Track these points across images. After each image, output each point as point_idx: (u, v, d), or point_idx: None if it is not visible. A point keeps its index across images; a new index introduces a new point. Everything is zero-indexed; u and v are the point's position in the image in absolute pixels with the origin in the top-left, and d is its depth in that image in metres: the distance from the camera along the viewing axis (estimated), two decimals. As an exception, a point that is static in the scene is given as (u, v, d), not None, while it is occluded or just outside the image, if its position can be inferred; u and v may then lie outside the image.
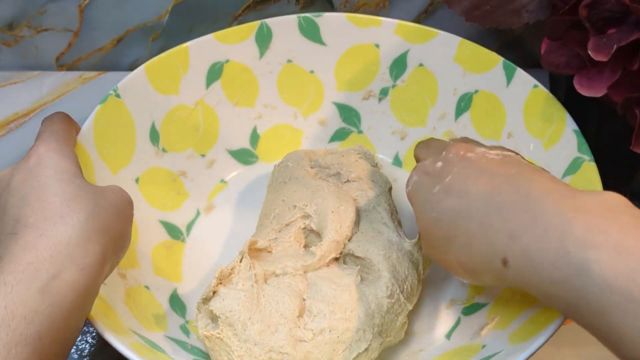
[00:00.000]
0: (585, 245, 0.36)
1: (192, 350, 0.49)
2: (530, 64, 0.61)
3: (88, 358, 0.53)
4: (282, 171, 0.57)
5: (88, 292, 0.40)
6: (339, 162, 0.57)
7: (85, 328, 0.52)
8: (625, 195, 0.39)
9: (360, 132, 0.64)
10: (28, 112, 0.69)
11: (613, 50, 0.47)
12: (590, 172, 0.51)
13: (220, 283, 0.48)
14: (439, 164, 0.45)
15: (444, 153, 0.46)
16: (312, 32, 0.61)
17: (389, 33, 0.60)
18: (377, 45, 0.61)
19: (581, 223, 0.36)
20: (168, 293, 0.54)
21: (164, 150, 0.59)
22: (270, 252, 0.52)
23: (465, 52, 0.59)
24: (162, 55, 0.58)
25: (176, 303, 0.53)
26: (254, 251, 0.51)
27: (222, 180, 0.62)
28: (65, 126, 0.49)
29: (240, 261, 0.49)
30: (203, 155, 0.61)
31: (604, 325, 0.35)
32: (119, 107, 0.56)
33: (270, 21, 0.61)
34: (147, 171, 0.57)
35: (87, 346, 0.53)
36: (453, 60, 0.59)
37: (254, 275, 0.48)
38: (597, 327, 0.36)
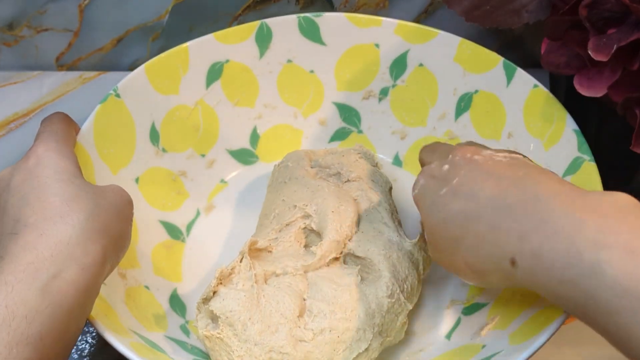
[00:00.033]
0: (596, 246, 0.36)
1: (192, 350, 0.49)
2: (530, 64, 0.61)
3: (88, 358, 0.53)
4: (282, 171, 0.57)
5: (89, 292, 0.40)
6: (339, 162, 0.57)
7: (85, 328, 0.52)
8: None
9: (360, 132, 0.64)
10: (28, 112, 0.69)
11: (613, 50, 0.47)
12: (590, 172, 0.51)
13: (221, 283, 0.48)
14: (446, 167, 0.45)
15: (450, 156, 0.46)
16: (312, 32, 0.61)
17: (389, 33, 0.60)
18: (377, 45, 0.61)
19: (592, 224, 0.36)
20: (168, 293, 0.54)
21: (164, 150, 0.59)
22: (270, 252, 0.52)
23: (465, 52, 0.59)
24: (162, 55, 0.58)
25: (176, 303, 0.53)
26: (254, 251, 0.51)
27: (222, 180, 0.62)
28: (64, 126, 0.49)
29: (241, 261, 0.49)
30: (203, 155, 0.61)
31: (612, 325, 0.35)
32: (119, 107, 0.56)
33: (270, 21, 0.61)
34: (147, 171, 0.57)
35: (87, 346, 0.53)
36: (453, 60, 0.59)
37: (254, 275, 0.48)
38: (606, 327, 0.36)
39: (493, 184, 0.42)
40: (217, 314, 0.47)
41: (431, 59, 0.60)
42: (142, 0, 0.68)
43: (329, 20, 0.61)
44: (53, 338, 0.38)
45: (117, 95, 0.56)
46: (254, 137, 0.63)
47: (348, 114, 0.63)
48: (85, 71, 0.72)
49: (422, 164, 0.50)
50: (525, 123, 0.56)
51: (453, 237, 0.43)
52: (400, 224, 0.55)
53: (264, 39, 0.61)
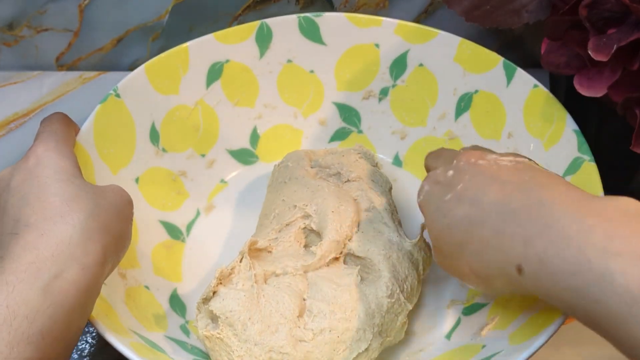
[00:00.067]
0: (605, 253, 0.35)
1: (192, 350, 0.49)
2: (530, 64, 0.61)
3: (88, 358, 0.53)
4: (282, 171, 0.57)
5: (89, 291, 0.40)
6: (339, 162, 0.57)
7: (85, 328, 0.52)
8: (625, 195, 0.39)
9: (360, 132, 0.64)
10: (28, 112, 0.69)
11: (613, 50, 0.47)
12: (590, 172, 0.51)
13: (220, 283, 0.48)
14: (450, 172, 0.45)
15: (454, 162, 0.45)
16: (312, 32, 0.61)
17: (389, 33, 0.60)
18: (377, 45, 0.61)
19: (600, 230, 0.36)
20: (168, 293, 0.54)
21: (164, 150, 0.59)
22: (270, 252, 0.52)
23: (465, 52, 0.59)
24: (162, 55, 0.58)
25: (176, 303, 0.53)
26: (254, 251, 0.51)
27: (222, 180, 0.62)
28: (64, 126, 0.49)
29: (240, 261, 0.49)
30: (203, 155, 0.61)
31: (623, 333, 0.34)
32: (119, 107, 0.56)
33: (270, 21, 0.61)
34: (147, 171, 0.57)
35: (87, 346, 0.53)
36: (453, 60, 0.59)
37: (254, 275, 0.48)
38: (616, 335, 0.35)
39: (497, 189, 0.42)
40: (217, 314, 0.47)
41: (431, 59, 0.60)
42: (142, 0, 0.68)
43: (329, 20, 0.61)
44: (54, 337, 0.38)
45: (117, 95, 0.56)
46: (254, 137, 0.63)
47: (348, 114, 0.63)
48: (85, 71, 0.72)
49: (428, 170, 0.49)
50: (525, 123, 0.56)
51: (457, 242, 0.43)
52: (400, 224, 0.55)
53: (264, 39, 0.61)
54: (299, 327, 0.47)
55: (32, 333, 0.37)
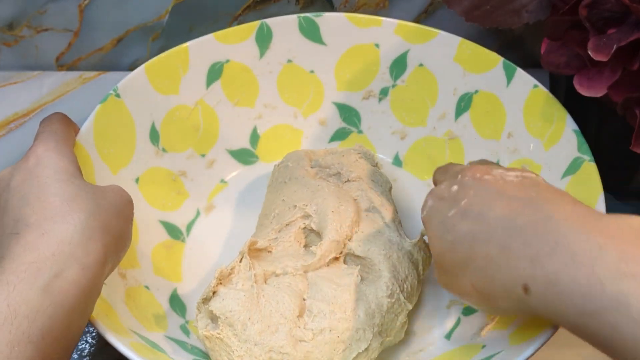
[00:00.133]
0: (620, 276, 0.33)
1: (192, 350, 0.49)
2: (530, 64, 0.61)
3: (88, 358, 0.53)
4: (282, 171, 0.57)
5: (90, 291, 0.40)
6: (339, 162, 0.57)
7: (85, 328, 0.52)
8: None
9: (360, 132, 0.64)
10: (28, 112, 0.69)
11: (613, 50, 0.47)
12: (590, 172, 0.51)
13: (220, 283, 0.48)
14: (455, 187, 0.44)
15: (459, 177, 0.44)
16: (312, 32, 0.61)
17: (389, 33, 0.60)
18: (377, 45, 0.61)
19: (613, 250, 0.34)
20: (168, 293, 0.54)
21: (164, 150, 0.59)
22: (270, 252, 0.52)
23: (465, 52, 0.59)
24: (162, 55, 0.58)
25: (176, 303, 0.53)
26: (254, 251, 0.51)
27: (222, 180, 0.62)
28: (63, 126, 0.49)
29: (240, 261, 0.49)
30: (203, 155, 0.61)
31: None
32: (119, 107, 0.56)
33: (270, 21, 0.61)
34: (147, 171, 0.57)
35: (87, 346, 0.53)
36: (453, 60, 0.59)
37: (254, 275, 0.48)
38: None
39: (503, 205, 0.40)
40: (217, 314, 0.47)
41: (431, 59, 0.60)
42: (142, 0, 0.68)
43: (329, 20, 0.61)
44: (54, 337, 0.38)
45: (117, 95, 0.56)
46: (254, 137, 0.63)
47: (348, 114, 0.63)
48: (85, 71, 0.72)
49: (435, 185, 0.48)
50: (525, 123, 0.56)
51: (461, 259, 0.42)
52: (400, 224, 0.55)
53: (264, 39, 0.61)
54: (299, 327, 0.47)
55: (33, 332, 0.37)
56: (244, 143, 0.63)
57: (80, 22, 0.69)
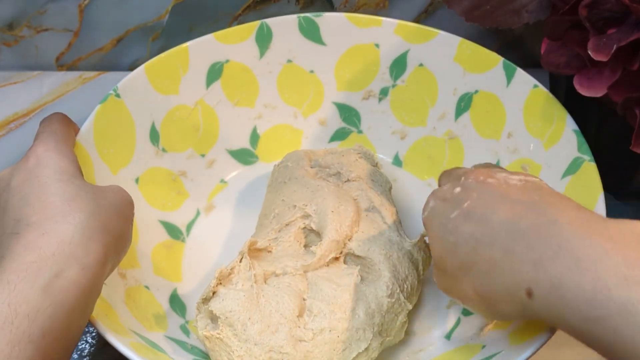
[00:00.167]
0: (626, 282, 0.33)
1: (192, 350, 0.49)
2: (530, 64, 0.61)
3: (88, 358, 0.53)
4: (282, 171, 0.57)
5: (90, 291, 0.40)
6: (339, 162, 0.57)
7: (85, 328, 0.52)
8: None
9: (360, 132, 0.64)
10: (28, 112, 0.69)
11: (613, 50, 0.47)
12: (590, 172, 0.51)
13: (220, 283, 0.48)
14: (457, 189, 0.43)
15: (462, 179, 0.44)
16: (312, 32, 0.61)
17: (389, 33, 0.60)
18: (377, 45, 0.61)
19: (617, 255, 0.34)
20: (168, 293, 0.54)
21: (164, 150, 0.59)
22: (270, 252, 0.52)
23: (465, 52, 0.59)
24: (162, 55, 0.58)
25: (176, 303, 0.53)
26: (254, 251, 0.51)
27: (222, 180, 0.62)
28: (63, 127, 0.49)
29: (240, 261, 0.49)
30: (203, 155, 0.61)
31: None
32: (119, 107, 0.56)
33: (270, 21, 0.61)
34: (147, 171, 0.57)
35: (87, 346, 0.53)
36: (453, 60, 0.59)
37: (254, 275, 0.48)
38: None
39: (507, 208, 0.40)
40: (217, 314, 0.47)
41: (431, 59, 0.60)
42: (142, 0, 0.68)
43: (329, 20, 0.61)
44: (55, 337, 0.38)
45: (117, 95, 0.56)
46: (254, 137, 0.63)
47: (348, 114, 0.63)
48: (85, 71, 0.72)
49: None
50: (525, 123, 0.56)
51: (463, 262, 0.41)
52: (400, 223, 0.55)
53: (264, 39, 0.61)
54: (299, 327, 0.47)
55: (33, 332, 0.37)
56: (244, 143, 0.63)
57: (80, 22, 0.69)
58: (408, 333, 0.51)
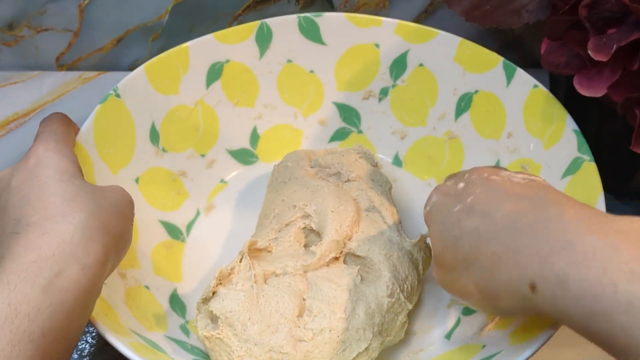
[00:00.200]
0: (633, 277, 0.32)
1: (192, 350, 0.49)
2: (530, 64, 0.61)
3: (88, 358, 0.53)
4: (282, 171, 0.57)
5: (90, 291, 0.40)
6: (339, 162, 0.57)
7: (85, 328, 0.52)
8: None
9: (360, 132, 0.64)
10: (28, 112, 0.69)
11: (613, 50, 0.47)
12: (590, 172, 0.51)
13: (220, 283, 0.48)
14: (461, 184, 0.43)
15: (466, 175, 0.44)
16: (312, 32, 0.61)
17: (389, 33, 0.60)
18: (377, 45, 0.61)
19: (624, 251, 0.33)
20: (168, 293, 0.54)
21: (164, 150, 0.59)
22: (270, 252, 0.52)
23: (465, 52, 0.59)
24: (162, 55, 0.58)
25: (176, 303, 0.53)
26: (254, 251, 0.51)
27: (222, 180, 0.62)
28: (63, 127, 0.49)
29: (240, 261, 0.49)
30: (203, 155, 0.61)
31: None
32: (119, 107, 0.56)
33: (270, 21, 0.61)
34: (147, 171, 0.57)
35: (87, 346, 0.53)
36: (453, 60, 0.59)
37: (254, 275, 0.48)
38: None
39: (511, 204, 0.40)
40: (217, 315, 0.47)
41: (431, 59, 0.60)
42: (142, 0, 0.68)
43: (329, 20, 0.61)
44: (55, 336, 0.38)
45: (117, 95, 0.56)
46: (254, 137, 0.63)
47: (348, 114, 0.63)
48: (85, 71, 0.72)
49: None
50: (525, 123, 0.56)
51: (465, 257, 0.41)
52: (400, 223, 0.55)
53: (264, 39, 0.61)
54: (299, 327, 0.47)
55: (33, 331, 0.37)
56: (244, 143, 0.63)
57: (80, 22, 0.69)
58: (408, 333, 0.51)
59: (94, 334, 0.54)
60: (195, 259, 0.57)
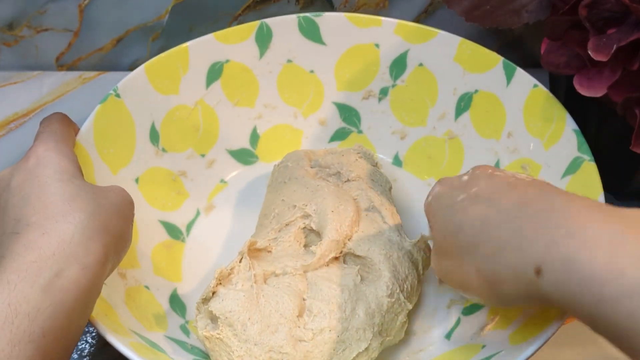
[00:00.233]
0: None
1: (192, 350, 0.49)
2: (530, 64, 0.61)
3: (88, 358, 0.53)
4: (282, 171, 0.57)
5: (90, 291, 0.40)
6: (339, 162, 0.57)
7: (85, 328, 0.52)
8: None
9: (360, 132, 0.64)
10: (28, 112, 0.69)
11: (613, 50, 0.47)
12: (590, 171, 0.51)
13: (220, 283, 0.48)
14: (465, 177, 0.44)
15: (470, 170, 0.44)
16: (312, 32, 0.61)
17: (389, 33, 0.60)
18: (377, 45, 0.61)
19: (634, 237, 0.33)
20: (168, 293, 0.54)
21: (164, 150, 0.59)
22: (270, 252, 0.52)
23: (465, 52, 0.59)
24: (162, 55, 0.58)
25: (176, 303, 0.53)
26: (254, 251, 0.51)
27: (222, 180, 0.62)
28: (63, 126, 0.49)
29: (240, 261, 0.49)
30: (203, 155, 0.61)
31: None
32: (118, 107, 0.56)
33: (270, 21, 0.61)
34: (147, 171, 0.57)
35: (87, 346, 0.53)
36: (453, 60, 0.59)
37: (254, 275, 0.48)
38: None
39: (517, 194, 0.39)
40: (217, 315, 0.47)
41: (431, 58, 0.60)
42: (142, 0, 0.68)
43: (329, 20, 0.61)
44: (55, 336, 0.38)
45: (117, 95, 0.56)
46: (254, 137, 0.63)
47: (348, 114, 0.63)
48: (85, 71, 0.72)
49: None
50: (525, 123, 0.56)
51: (468, 243, 0.40)
52: (400, 223, 0.55)
53: (264, 39, 0.61)
54: (299, 327, 0.47)
55: (33, 331, 0.37)
56: (244, 143, 0.63)
57: (80, 22, 0.69)
58: (408, 333, 0.51)
59: (94, 334, 0.54)
60: (195, 259, 0.57)
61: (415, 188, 0.61)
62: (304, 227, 0.53)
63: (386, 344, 0.49)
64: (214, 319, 0.48)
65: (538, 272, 0.36)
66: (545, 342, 0.43)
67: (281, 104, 0.63)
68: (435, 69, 0.60)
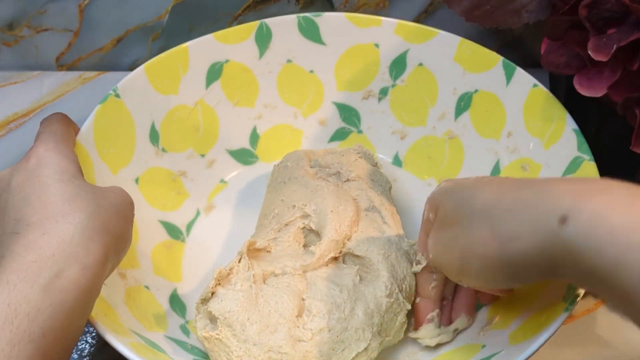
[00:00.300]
0: None
1: (192, 350, 0.49)
2: (530, 64, 0.61)
3: (88, 358, 0.53)
4: (282, 171, 0.57)
5: (90, 291, 0.40)
6: (339, 162, 0.57)
7: (85, 328, 0.52)
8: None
9: (360, 132, 0.64)
10: (28, 112, 0.69)
11: (613, 50, 0.47)
12: (590, 171, 0.51)
13: (219, 284, 0.48)
14: (472, 178, 0.44)
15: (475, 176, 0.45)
16: (312, 32, 0.61)
17: (388, 33, 0.60)
18: (377, 45, 0.61)
19: None
20: (168, 293, 0.54)
21: (163, 150, 0.59)
22: (269, 252, 0.52)
23: (465, 52, 0.59)
24: (162, 55, 0.58)
25: (176, 303, 0.53)
26: (253, 251, 0.51)
27: (222, 180, 0.62)
28: (63, 127, 0.49)
29: (239, 261, 0.49)
30: (203, 155, 0.61)
31: None
32: (118, 107, 0.56)
33: (270, 21, 0.61)
34: (147, 171, 0.57)
35: (87, 346, 0.53)
36: (453, 60, 0.59)
37: (253, 275, 0.48)
38: None
39: (531, 182, 0.39)
40: (216, 315, 0.47)
41: (431, 58, 0.60)
42: (142, 0, 0.68)
43: (328, 20, 0.61)
44: (55, 336, 0.38)
45: (117, 95, 0.56)
46: (254, 137, 0.63)
47: (348, 114, 0.63)
48: (85, 71, 0.72)
49: None
50: (525, 122, 0.56)
51: (483, 205, 0.39)
52: (400, 223, 0.55)
53: (263, 39, 0.61)
54: (298, 327, 0.47)
55: (33, 331, 0.37)
56: (243, 143, 0.63)
57: (80, 22, 0.69)
58: (407, 333, 0.51)
59: (94, 334, 0.54)
60: (195, 259, 0.57)
61: (415, 188, 0.61)
62: (304, 227, 0.53)
63: (386, 344, 0.49)
64: (213, 319, 0.48)
65: (563, 220, 0.35)
66: (545, 342, 0.43)
67: (281, 104, 0.63)
68: (435, 68, 0.60)
